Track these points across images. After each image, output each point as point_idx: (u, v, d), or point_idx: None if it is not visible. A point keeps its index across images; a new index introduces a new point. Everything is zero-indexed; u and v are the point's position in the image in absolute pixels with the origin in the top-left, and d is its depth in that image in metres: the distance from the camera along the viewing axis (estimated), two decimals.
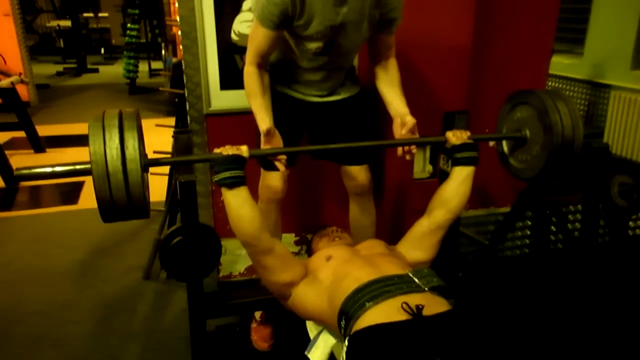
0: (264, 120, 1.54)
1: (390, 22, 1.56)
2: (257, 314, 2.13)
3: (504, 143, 1.76)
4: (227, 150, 1.38)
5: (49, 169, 1.20)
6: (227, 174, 1.35)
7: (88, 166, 1.14)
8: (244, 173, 1.38)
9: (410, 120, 1.57)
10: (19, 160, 4.18)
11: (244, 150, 1.39)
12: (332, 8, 1.43)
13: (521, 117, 1.68)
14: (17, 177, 1.19)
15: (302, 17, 1.44)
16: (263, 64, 1.58)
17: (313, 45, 1.53)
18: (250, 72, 1.58)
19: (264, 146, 1.54)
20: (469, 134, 1.59)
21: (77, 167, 1.18)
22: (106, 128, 1.16)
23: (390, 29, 1.58)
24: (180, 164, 1.59)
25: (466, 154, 1.57)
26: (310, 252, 1.79)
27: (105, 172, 1.13)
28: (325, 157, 1.86)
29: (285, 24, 1.45)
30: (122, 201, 1.16)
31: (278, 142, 1.57)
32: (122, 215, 1.20)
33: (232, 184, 1.35)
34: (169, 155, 2.85)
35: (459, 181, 1.57)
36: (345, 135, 1.79)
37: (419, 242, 1.56)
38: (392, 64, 1.69)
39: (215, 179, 1.36)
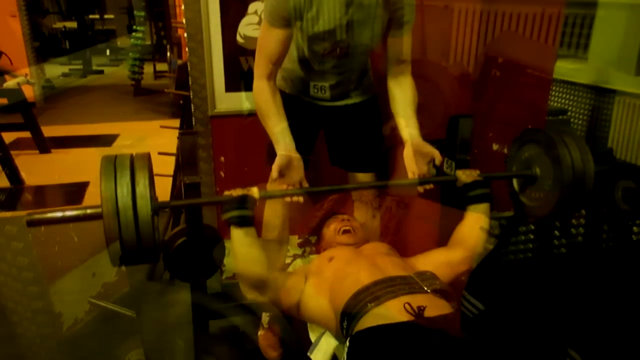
0: (285, 147, 1.48)
1: (400, 23, 1.51)
2: (265, 320, 2.11)
3: (515, 182, 1.76)
4: (238, 192, 1.38)
5: (59, 214, 1.19)
6: (236, 212, 1.35)
7: (99, 210, 1.14)
8: (253, 214, 1.37)
9: (434, 153, 1.50)
10: (25, 160, 4.19)
11: (254, 191, 1.39)
12: (340, 3, 1.41)
13: (529, 156, 1.69)
14: (29, 223, 1.18)
15: (312, 8, 1.41)
16: (274, 75, 1.53)
17: (321, 46, 1.52)
18: (261, 88, 1.52)
19: (278, 174, 1.48)
20: (478, 172, 1.60)
21: (89, 211, 1.19)
22: (118, 167, 1.17)
23: (401, 30, 1.52)
24: (189, 207, 1.55)
25: (479, 191, 1.57)
26: (319, 236, 1.81)
27: (116, 210, 1.12)
28: (339, 164, 1.87)
29: (297, 18, 1.43)
30: (131, 241, 1.14)
31: (298, 170, 1.52)
32: (130, 256, 1.18)
33: (242, 222, 1.35)
34: (173, 157, 2.87)
35: (474, 219, 1.56)
36: (356, 140, 1.79)
37: (436, 270, 1.46)
38: (408, 83, 1.60)
39: (225, 217, 1.36)
